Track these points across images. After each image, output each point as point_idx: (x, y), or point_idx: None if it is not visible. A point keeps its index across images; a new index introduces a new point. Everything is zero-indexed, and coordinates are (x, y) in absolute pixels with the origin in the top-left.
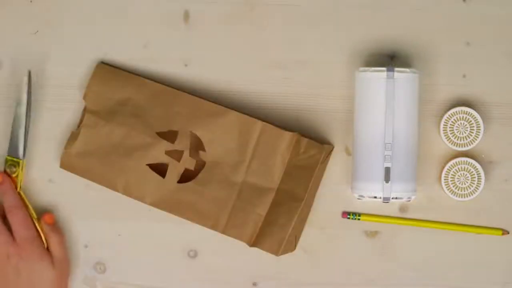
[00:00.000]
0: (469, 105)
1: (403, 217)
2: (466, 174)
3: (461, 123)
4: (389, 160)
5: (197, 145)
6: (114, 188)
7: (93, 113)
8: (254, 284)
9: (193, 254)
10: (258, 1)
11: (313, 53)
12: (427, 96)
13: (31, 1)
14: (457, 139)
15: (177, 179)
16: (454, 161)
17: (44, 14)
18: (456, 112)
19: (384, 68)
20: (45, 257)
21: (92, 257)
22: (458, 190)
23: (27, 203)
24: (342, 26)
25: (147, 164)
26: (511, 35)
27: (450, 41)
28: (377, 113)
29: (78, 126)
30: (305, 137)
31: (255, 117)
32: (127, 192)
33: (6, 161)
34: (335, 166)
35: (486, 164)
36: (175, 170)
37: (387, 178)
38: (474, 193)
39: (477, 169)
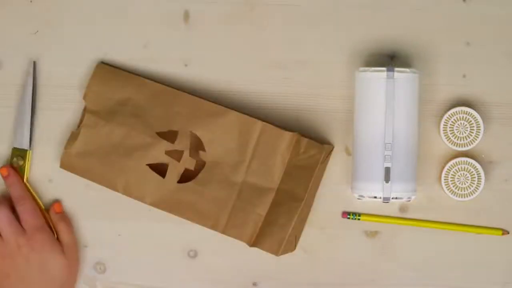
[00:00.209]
0: (469, 105)
1: (403, 217)
2: (466, 174)
3: (461, 123)
4: (389, 160)
5: (197, 145)
6: (114, 188)
7: (93, 113)
8: (254, 284)
9: (193, 254)
10: (258, 1)
11: (313, 53)
12: (427, 96)
13: (31, 1)
14: (457, 139)
15: (177, 179)
16: (454, 161)
17: (44, 14)
18: (456, 112)
19: (384, 68)
20: (55, 245)
21: (92, 257)
22: (458, 190)
23: (34, 193)
24: (342, 26)
25: (147, 164)
26: (511, 35)
27: (450, 41)
28: (377, 113)
29: (78, 126)
30: (305, 137)
31: (255, 117)
32: (127, 192)
33: (12, 152)
34: (335, 166)
35: (486, 164)
36: (175, 170)
37: (387, 178)
38: (474, 193)
39: (477, 169)
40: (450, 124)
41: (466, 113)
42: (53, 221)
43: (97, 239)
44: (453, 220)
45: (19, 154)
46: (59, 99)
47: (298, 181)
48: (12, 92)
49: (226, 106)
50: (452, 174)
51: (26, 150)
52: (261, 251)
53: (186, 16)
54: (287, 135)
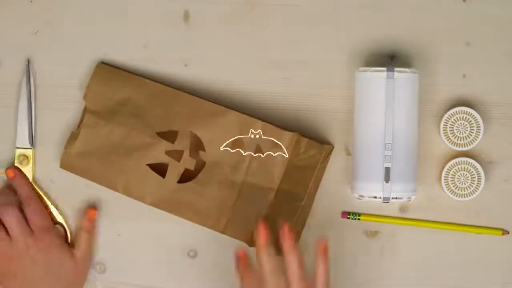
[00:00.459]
0: (469, 105)
1: (403, 217)
2: (466, 174)
3: (461, 123)
4: (389, 160)
5: (197, 145)
6: (114, 188)
7: (93, 113)
8: None
9: (193, 254)
10: (258, 1)
11: (313, 53)
12: (427, 96)
13: (31, 1)
14: (457, 139)
15: (177, 179)
16: (454, 161)
17: (44, 14)
18: (456, 112)
19: (384, 68)
20: (62, 247)
21: None
22: (458, 190)
23: (41, 193)
24: (342, 26)
25: (147, 164)
26: (511, 35)
27: (450, 41)
28: (377, 113)
29: (78, 126)
30: (305, 137)
31: (255, 117)
32: (127, 192)
33: (16, 151)
34: (335, 166)
35: (486, 164)
36: (175, 170)
37: (387, 178)
38: (474, 193)
39: (477, 169)
40: (450, 124)
41: (466, 113)
42: (81, 226)
43: (97, 239)
44: (453, 220)
45: (22, 153)
46: (59, 99)
47: (298, 181)
48: (12, 92)
49: (226, 106)
50: (452, 174)
51: (30, 149)
52: None
53: (186, 16)
54: (287, 135)
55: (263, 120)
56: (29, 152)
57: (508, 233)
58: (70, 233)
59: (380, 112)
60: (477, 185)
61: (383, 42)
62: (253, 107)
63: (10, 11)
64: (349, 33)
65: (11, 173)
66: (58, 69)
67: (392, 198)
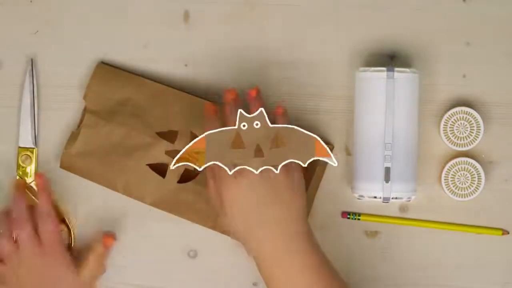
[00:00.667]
0: (469, 105)
1: (403, 217)
2: (466, 174)
3: (461, 123)
4: (389, 160)
5: None
6: (114, 188)
7: (93, 113)
8: (254, 284)
9: (193, 254)
10: (258, 1)
11: (313, 53)
12: (427, 96)
13: (31, 1)
14: (457, 139)
15: (177, 179)
16: (454, 161)
17: (44, 14)
18: (456, 112)
19: (384, 68)
20: (70, 265)
21: None
22: (458, 190)
23: (56, 202)
24: (342, 26)
25: (147, 164)
26: (511, 35)
27: (450, 41)
28: (377, 113)
29: (78, 126)
30: None
31: None
32: (127, 192)
33: (19, 152)
34: (335, 166)
35: (486, 164)
36: (175, 170)
37: (387, 178)
38: (474, 193)
39: (477, 169)
40: (450, 124)
41: (466, 113)
42: (93, 248)
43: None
44: (453, 220)
45: (25, 152)
46: (59, 99)
47: None
48: (12, 92)
49: None
50: (452, 174)
51: (33, 148)
52: None
53: (186, 16)
54: None
55: None
56: (32, 152)
57: (508, 233)
58: (73, 232)
59: (380, 112)
60: (477, 185)
61: (383, 42)
62: None
63: (10, 11)
64: (349, 33)
65: (41, 180)
66: (58, 69)
67: (392, 198)
